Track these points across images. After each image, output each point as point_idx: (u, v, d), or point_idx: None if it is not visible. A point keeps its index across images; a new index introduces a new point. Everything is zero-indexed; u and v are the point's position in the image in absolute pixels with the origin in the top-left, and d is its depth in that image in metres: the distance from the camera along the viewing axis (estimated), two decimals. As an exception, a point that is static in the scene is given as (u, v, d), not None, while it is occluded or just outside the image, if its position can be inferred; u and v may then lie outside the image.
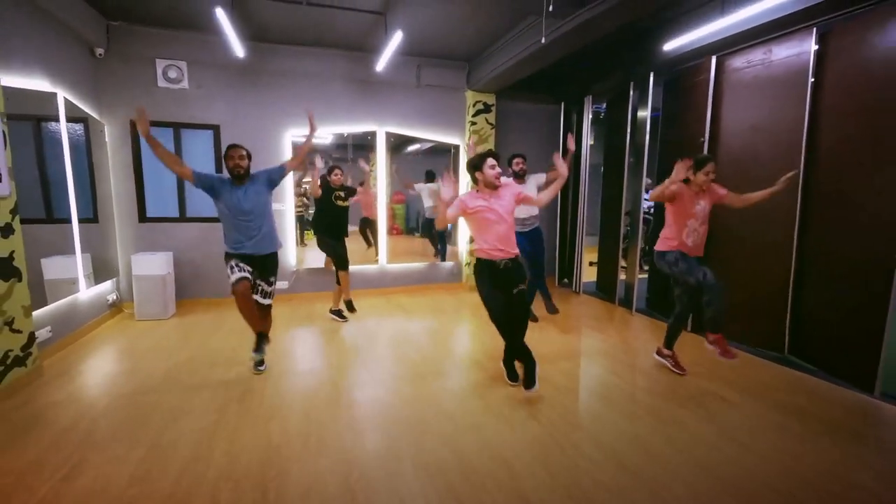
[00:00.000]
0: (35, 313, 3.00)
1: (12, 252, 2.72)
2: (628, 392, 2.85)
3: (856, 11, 2.89)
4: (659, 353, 3.29)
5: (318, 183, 3.99)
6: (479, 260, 2.81)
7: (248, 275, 2.84)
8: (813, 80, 3.15)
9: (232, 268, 2.84)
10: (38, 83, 3.26)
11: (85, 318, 3.83)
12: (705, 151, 3.84)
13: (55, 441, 2.20)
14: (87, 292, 3.83)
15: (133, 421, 2.40)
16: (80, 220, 3.76)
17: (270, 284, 3.05)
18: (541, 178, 4.09)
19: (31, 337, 2.88)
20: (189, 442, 2.20)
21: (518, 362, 2.89)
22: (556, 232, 6.08)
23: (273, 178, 3.01)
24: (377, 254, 5.54)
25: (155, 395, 2.71)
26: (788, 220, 3.28)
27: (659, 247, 3.10)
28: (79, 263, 3.71)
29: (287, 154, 4.92)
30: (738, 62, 3.64)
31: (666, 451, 2.17)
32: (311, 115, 3.13)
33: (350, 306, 4.34)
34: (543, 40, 3.60)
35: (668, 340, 3.21)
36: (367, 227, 5.68)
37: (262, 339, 3.05)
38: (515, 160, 4.07)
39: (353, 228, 5.59)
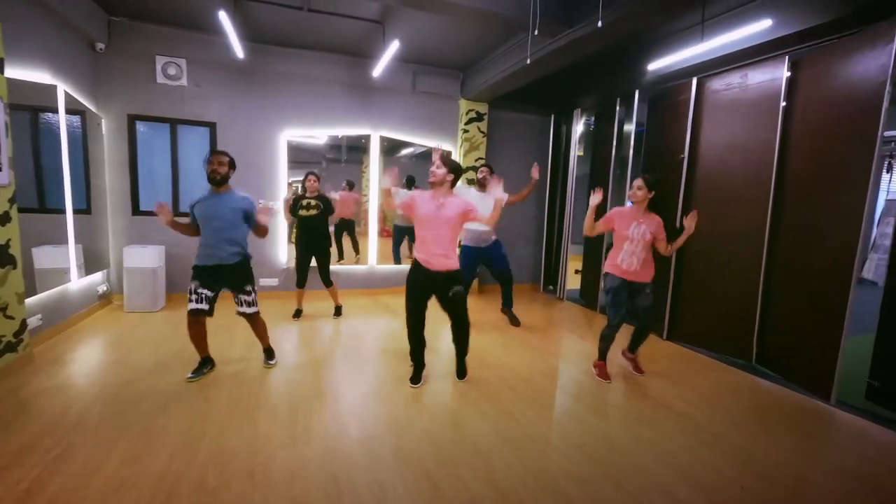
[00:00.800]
0: (27, 301, 3.05)
1: (9, 240, 2.78)
2: (601, 393, 3.00)
3: (823, 42, 3.10)
4: (623, 353, 3.49)
5: (288, 207, 4.15)
6: (414, 262, 2.85)
7: (203, 306, 2.81)
8: (784, 104, 3.35)
9: (191, 293, 2.80)
10: (39, 75, 3.33)
11: (75, 307, 3.87)
12: (685, 167, 4.04)
13: (48, 425, 2.27)
14: (77, 282, 3.88)
15: (123, 408, 2.48)
16: (74, 212, 3.81)
17: (249, 294, 2.96)
18: (503, 195, 4.07)
19: (23, 324, 2.93)
20: (179, 428, 2.28)
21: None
22: (543, 239, 6.24)
23: (250, 216, 2.93)
24: (356, 256, 5.65)
25: (145, 383, 2.78)
26: (758, 235, 3.47)
27: (605, 267, 3.26)
28: (71, 254, 3.76)
29: (282, 154, 5.02)
30: (717, 84, 3.84)
31: (631, 445, 2.32)
32: (267, 210, 2.96)
33: (337, 311, 4.51)
34: (528, 61, 3.77)
35: (601, 353, 3.30)
36: (345, 229, 5.69)
37: (268, 353, 3.19)
38: (482, 168, 4.17)
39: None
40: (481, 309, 5.05)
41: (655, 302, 3.19)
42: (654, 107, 4.55)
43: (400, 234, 5.89)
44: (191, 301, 2.80)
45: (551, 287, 6.28)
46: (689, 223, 2.99)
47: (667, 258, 4.06)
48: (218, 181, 2.81)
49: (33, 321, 3.21)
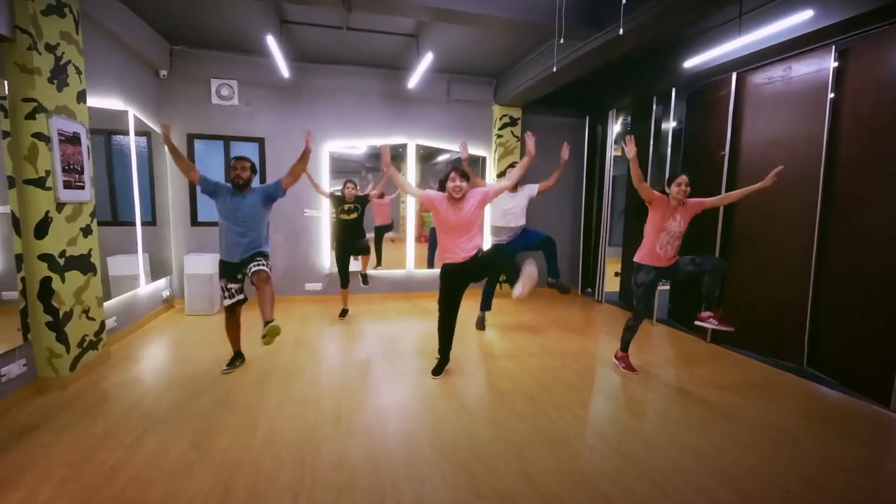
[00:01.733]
0: (104, 304, 3.41)
1: (90, 250, 3.14)
2: (638, 394, 2.98)
3: (872, 30, 2.96)
4: (615, 355, 3.45)
5: (320, 189, 4.49)
6: (444, 266, 3.05)
7: (239, 297, 3.10)
8: (832, 95, 3.21)
9: (223, 290, 3.08)
10: (113, 102, 3.73)
11: (143, 310, 4.26)
12: (726, 165, 3.93)
13: (125, 413, 2.54)
14: (145, 288, 4.27)
15: (188, 400, 2.73)
16: (142, 223, 4.21)
17: (259, 264, 2.89)
18: (533, 188, 4.03)
19: (102, 325, 3.28)
20: (237, 419, 2.50)
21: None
22: (580, 241, 6.20)
23: (270, 194, 3.05)
24: (378, 264, 5.83)
25: (206, 379, 3.04)
26: (807, 233, 3.34)
27: (635, 257, 3.30)
28: (140, 262, 4.15)
29: (325, 165, 5.30)
30: (758, 78, 3.72)
31: (668, 446, 2.31)
32: (309, 135, 3.18)
33: (343, 313, 4.73)
34: (555, 69, 3.83)
35: (624, 344, 3.37)
36: (385, 233, 5.87)
37: (270, 328, 2.72)
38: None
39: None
40: (516, 310, 5.09)
41: (715, 259, 3.19)
42: (693, 104, 4.46)
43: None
44: (225, 298, 3.10)
45: (590, 290, 6.21)
46: (769, 179, 3.00)
47: (711, 245, 3.95)
48: (241, 185, 3.00)
49: (110, 322, 3.57)
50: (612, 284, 5.93)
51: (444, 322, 3.13)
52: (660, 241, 3.17)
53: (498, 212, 4.04)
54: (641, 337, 4.27)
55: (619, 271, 5.77)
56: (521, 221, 4.04)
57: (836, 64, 3.20)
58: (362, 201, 4.47)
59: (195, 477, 1.98)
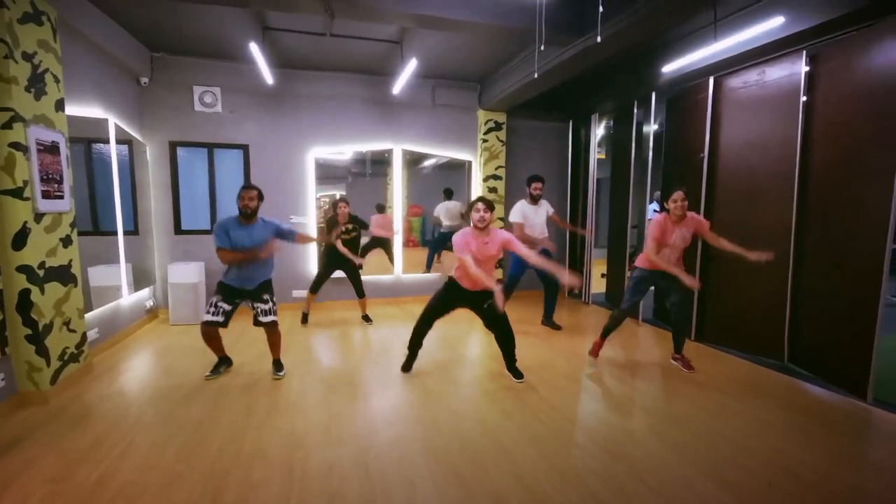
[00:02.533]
0: (86, 316, 3.34)
1: (70, 260, 3.08)
2: (626, 393, 3.03)
3: (841, 35, 3.08)
4: (672, 358, 3.56)
5: (322, 232, 4.41)
6: (454, 281, 3.12)
7: (219, 318, 3.05)
8: (805, 98, 3.33)
9: (211, 305, 3.05)
10: (93, 110, 3.67)
11: (126, 321, 4.19)
12: (705, 166, 4.03)
13: (111, 425, 2.50)
14: (128, 298, 4.19)
15: (175, 409, 2.69)
16: (124, 233, 4.14)
17: (266, 303, 3.14)
18: (549, 208, 4.46)
19: (84, 336, 3.22)
20: (225, 428, 2.47)
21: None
22: (566, 243, 6.27)
23: (281, 235, 3.20)
24: (392, 263, 5.82)
25: (192, 389, 3.00)
26: (785, 233, 3.43)
27: (636, 262, 3.47)
28: (122, 272, 4.08)
29: (310, 171, 5.29)
30: (734, 82, 3.83)
31: (655, 443, 2.35)
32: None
33: (367, 318, 4.77)
34: (536, 75, 3.90)
35: (605, 331, 3.54)
36: (380, 245, 5.82)
37: (277, 365, 3.27)
38: (534, 185, 4.32)
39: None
40: (508, 311, 5.11)
41: (685, 297, 3.36)
42: (672, 108, 4.56)
43: (444, 240, 5.98)
44: (208, 313, 3.06)
45: (576, 291, 6.28)
46: (757, 257, 3.03)
47: (692, 259, 4.07)
48: (249, 214, 3.03)
49: (92, 334, 3.50)
50: (598, 286, 6.01)
51: (421, 324, 3.25)
52: (661, 253, 3.28)
53: (526, 223, 4.35)
54: (627, 336, 4.34)
55: (606, 273, 5.85)
56: (545, 233, 4.40)
57: (807, 68, 3.31)
58: (358, 220, 4.49)
59: (183, 489, 1.96)
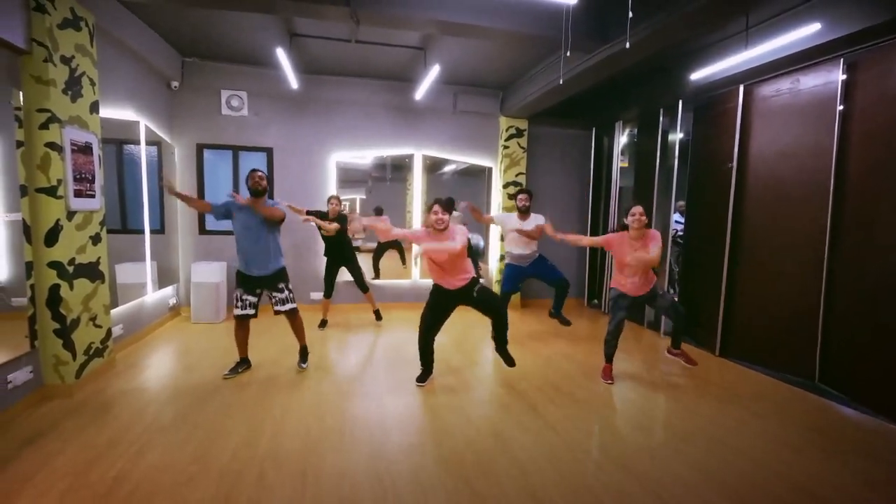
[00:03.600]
0: (111, 312, 3.43)
1: (99, 258, 3.17)
2: (644, 408, 2.93)
3: (879, 44, 2.95)
4: (668, 352, 3.64)
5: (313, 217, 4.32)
6: (436, 286, 3.16)
7: (249, 311, 3.19)
8: (841, 108, 3.20)
9: (236, 300, 3.18)
10: (126, 113, 3.79)
11: (150, 318, 4.28)
12: (734, 176, 3.91)
13: (129, 422, 2.54)
14: (152, 296, 4.29)
15: (193, 409, 2.72)
16: (150, 232, 4.25)
17: (282, 291, 3.23)
18: (540, 219, 4.18)
19: (109, 332, 3.30)
20: (240, 429, 2.48)
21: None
22: (587, 252, 6.16)
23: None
24: (405, 263, 5.82)
25: (211, 388, 3.04)
26: (818, 245, 3.29)
27: (611, 283, 3.49)
28: (148, 270, 4.18)
29: (332, 174, 5.35)
30: (766, 91, 3.72)
31: (673, 461, 2.26)
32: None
33: (377, 315, 4.83)
34: (561, 81, 3.85)
35: (607, 357, 3.44)
36: (391, 247, 5.81)
37: (303, 354, 3.48)
38: (520, 196, 4.20)
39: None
40: (523, 322, 5.06)
41: (668, 301, 3.44)
42: (700, 116, 4.45)
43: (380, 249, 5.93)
44: (237, 307, 3.19)
45: (596, 301, 6.16)
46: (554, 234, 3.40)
47: (719, 272, 3.95)
48: (260, 192, 3.10)
49: (116, 330, 3.59)
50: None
51: (423, 337, 3.20)
52: (624, 275, 3.30)
53: (512, 237, 4.21)
54: (648, 350, 4.23)
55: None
56: (535, 247, 4.25)
57: (844, 76, 3.19)
58: (342, 218, 4.44)
59: (197, 488, 1.97)
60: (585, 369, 3.63)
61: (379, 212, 5.87)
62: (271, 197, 5.00)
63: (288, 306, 3.27)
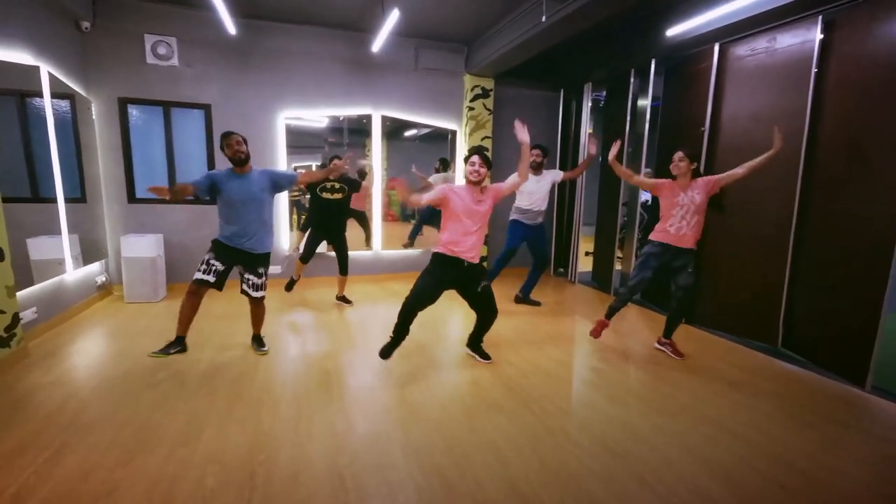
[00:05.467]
0: (20, 294, 2.94)
1: (-6, 231, 2.65)
2: (618, 380, 2.85)
3: (860, 1, 2.83)
4: (658, 342, 3.39)
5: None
6: (443, 255, 2.72)
7: (210, 278, 2.84)
8: (816, 69, 3.10)
9: (203, 263, 2.84)
10: (19, 55, 3.14)
11: (73, 299, 3.76)
12: (706, 141, 3.80)
13: (42, 423, 2.16)
14: (74, 273, 3.76)
15: (121, 403, 2.37)
16: (67, 200, 3.67)
17: (260, 276, 2.96)
18: (558, 174, 4.31)
19: (16, 317, 2.82)
20: (178, 425, 2.17)
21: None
22: (553, 221, 6.04)
23: (279, 183, 2.97)
24: (368, 242, 5.47)
25: (144, 377, 2.67)
26: (786, 211, 3.26)
27: (651, 235, 3.24)
28: (65, 244, 3.63)
29: (281, 136, 4.84)
30: (741, 50, 3.57)
31: (653, 437, 2.18)
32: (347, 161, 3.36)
33: (345, 300, 4.40)
34: (544, 18, 3.51)
35: (610, 311, 3.34)
36: (353, 217, 5.35)
37: (258, 340, 3.16)
38: (534, 151, 4.10)
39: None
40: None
41: (695, 284, 3.17)
42: (672, 77, 4.29)
43: (435, 213, 5.62)
44: (199, 271, 2.83)
45: (562, 269, 6.10)
46: (778, 141, 2.84)
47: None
48: (243, 160, 2.80)
49: (28, 314, 3.10)
50: (584, 264, 5.84)
51: (411, 308, 2.74)
52: (673, 216, 3.07)
53: (524, 194, 4.23)
54: (616, 318, 4.16)
55: (591, 251, 5.68)
56: (544, 206, 4.28)
57: (821, 36, 3.07)
58: (352, 184, 4.03)
59: (122, 499, 1.67)
60: (556, 341, 3.51)
61: (362, 175, 5.38)
62: (213, 167, 4.49)
63: (260, 294, 2.99)
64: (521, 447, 2.06)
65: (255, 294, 2.97)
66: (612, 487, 1.81)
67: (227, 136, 2.78)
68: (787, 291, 3.30)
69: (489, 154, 5.53)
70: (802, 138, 3.16)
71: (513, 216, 4.37)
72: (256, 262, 2.94)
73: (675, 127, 4.22)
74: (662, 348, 3.32)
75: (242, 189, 2.80)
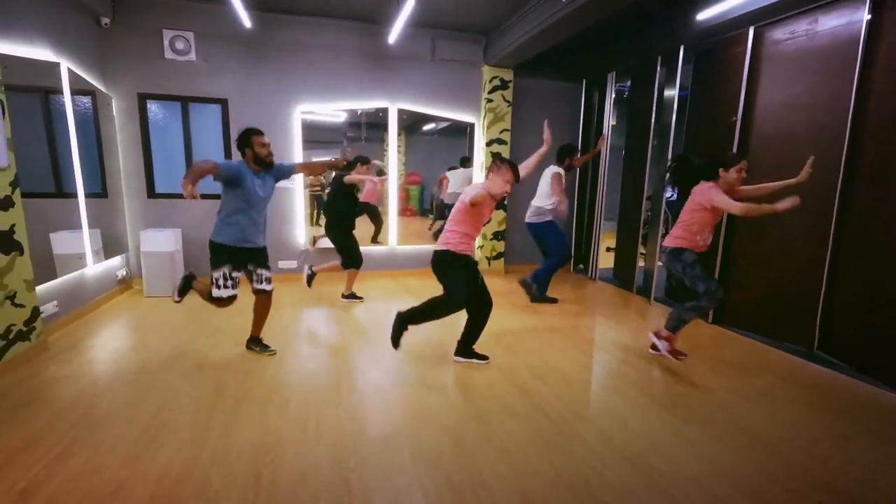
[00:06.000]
0: (41, 287, 2.99)
1: (13, 225, 2.68)
2: (640, 384, 2.71)
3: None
4: (657, 334, 3.03)
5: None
6: (464, 256, 2.73)
7: (236, 292, 2.82)
8: (863, 53, 2.86)
9: (222, 278, 2.74)
10: (40, 52, 3.18)
11: (93, 293, 3.83)
12: (737, 131, 3.58)
13: (54, 418, 2.17)
14: (94, 268, 3.82)
15: (133, 399, 2.37)
16: (89, 195, 3.72)
17: (269, 269, 2.94)
18: (556, 168, 4.25)
19: (35, 311, 2.86)
20: (185, 422, 2.15)
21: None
22: (574, 216, 5.86)
23: (280, 177, 2.94)
24: (375, 238, 5.40)
25: (157, 372, 2.67)
26: (826, 209, 3.04)
27: (674, 244, 2.92)
28: (85, 238, 3.69)
29: (297, 130, 4.82)
30: (779, 33, 3.34)
31: (678, 449, 2.04)
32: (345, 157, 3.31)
33: (353, 296, 4.31)
34: (564, 1, 3.35)
35: (675, 327, 2.96)
36: (366, 212, 5.31)
37: (258, 342, 3.03)
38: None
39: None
40: (508, 290, 4.78)
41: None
42: (702, 65, 4.07)
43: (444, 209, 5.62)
44: (218, 287, 2.75)
45: (581, 266, 5.93)
46: (805, 174, 2.70)
47: (715, 235, 3.69)
48: (271, 163, 2.78)
49: (49, 308, 3.15)
50: (605, 261, 5.65)
51: (456, 309, 2.76)
52: (707, 230, 2.87)
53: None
54: (637, 318, 4.02)
55: (612, 247, 5.49)
56: (547, 202, 4.17)
57: (869, 16, 2.83)
58: (348, 167, 3.95)
59: (126, 499, 1.65)
60: (575, 341, 3.38)
61: (380, 172, 5.34)
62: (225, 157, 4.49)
63: (271, 286, 2.93)
64: (535, 455, 1.96)
65: (269, 287, 2.92)
66: (632, 502, 1.70)
67: (257, 133, 2.71)
68: (824, 293, 3.08)
69: (508, 146, 5.40)
70: (846, 128, 2.93)
71: (547, 217, 4.22)
72: (264, 255, 2.91)
73: (705, 117, 4.00)
74: (656, 341, 3.00)
75: (266, 187, 2.79)
